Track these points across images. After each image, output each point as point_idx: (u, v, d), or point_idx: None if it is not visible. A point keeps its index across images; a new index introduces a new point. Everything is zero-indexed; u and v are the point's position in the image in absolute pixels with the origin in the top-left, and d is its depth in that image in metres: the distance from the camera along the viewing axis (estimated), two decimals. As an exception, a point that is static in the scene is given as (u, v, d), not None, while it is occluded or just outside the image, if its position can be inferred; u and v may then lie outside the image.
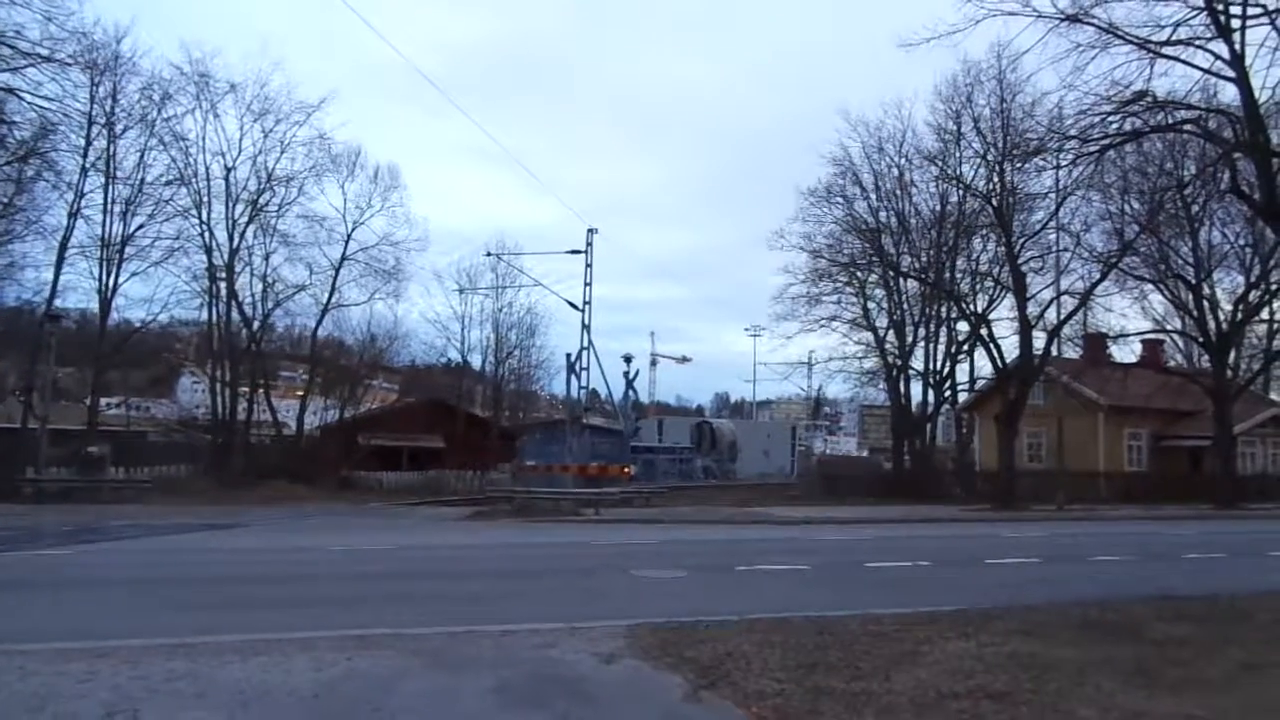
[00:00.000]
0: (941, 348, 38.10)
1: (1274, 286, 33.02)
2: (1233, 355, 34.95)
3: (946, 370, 38.23)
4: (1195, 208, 31.10)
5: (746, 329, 79.88)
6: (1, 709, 5.08)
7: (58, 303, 31.97)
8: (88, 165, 31.25)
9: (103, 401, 37.29)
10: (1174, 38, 13.12)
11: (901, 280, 37.00)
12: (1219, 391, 31.42)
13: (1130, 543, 17.85)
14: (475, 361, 50.49)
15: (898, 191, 36.54)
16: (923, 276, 36.12)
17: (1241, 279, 34.31)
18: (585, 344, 36.22)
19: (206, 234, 34.56)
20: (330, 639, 7.01)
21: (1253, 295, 32.94)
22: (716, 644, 6.81)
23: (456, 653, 6.68)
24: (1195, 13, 12.85)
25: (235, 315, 36.37)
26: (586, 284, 35.94)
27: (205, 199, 34.51)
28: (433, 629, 7.58)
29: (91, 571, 12.19)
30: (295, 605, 9.38)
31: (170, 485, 30.07)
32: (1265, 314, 34.74)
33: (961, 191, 33.84)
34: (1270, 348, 36.58)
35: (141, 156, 32.77)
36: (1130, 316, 49.23)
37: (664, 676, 6.01)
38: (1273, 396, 41.09)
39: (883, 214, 36.86)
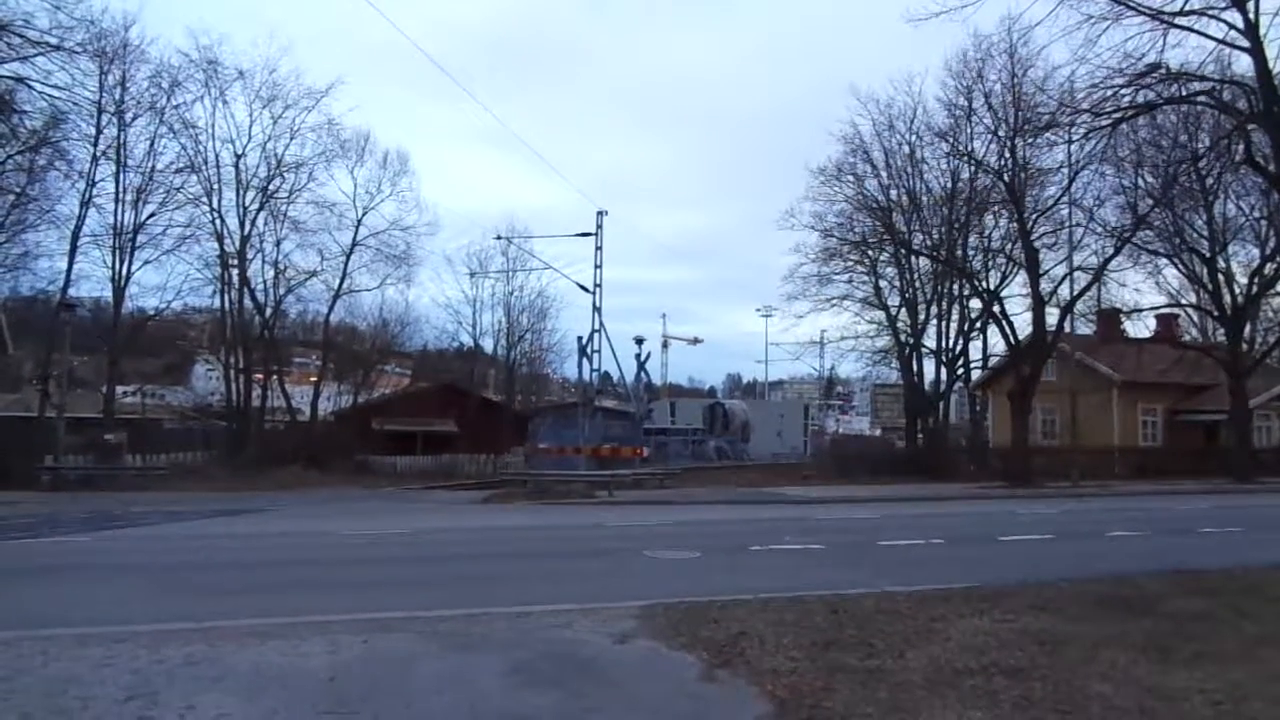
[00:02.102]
0: (954, 325, 37.98)
1: (1290, 258, 32.64)
2: (1248, 329, 34.62)
3: (959, 348, 38.13)
4: (1209, 180, 30.70)
5: (758, 309, 79.66)
6: (24, 694, 5.15)
7: (72, 291, 32.28)
8: (99, 154, 31.46)
9: (118, 389, 37.53)
10: (1187, 8, 12.96)
11: (913, 258, 36.78)
12: (1234, 365, 31.15)
13: (1145, 518, 17.80)
14: (487, 345, 50.75)
15: (909, 169, 36.25)
16: (934, 254, 35.85)
17: (1257, 252, 33.96)
18: (596, 326, 36.16)
19: (218, 221, 34.83)
20: (347, 622, 7.09)
21: (1268, 268, 32.57)
22: (731, 623, 6.84)
23: (472, 634, 6.73)
24: (1209, -19, 12.70)
25: (248, 302, 36.67)
26: (597, 266, 35.81)
27: (216, 186, 34.71)
28: (448, 611, 7.64)
29: (111, 558, 12.33)
30: (311, 589, 9.47)
31: (186, 472, 30.39)
32: (1281, 286, 34.37)
33: (973, 168, 33.50)
34: (1286, 320, 36.21)
35: (152, 144, 33.00)
36: (1144, 291, 49.00)
37: (679, 656, 6.04)
38: (1289, 370, 40.74)
39: (894, 192, 36.60)
